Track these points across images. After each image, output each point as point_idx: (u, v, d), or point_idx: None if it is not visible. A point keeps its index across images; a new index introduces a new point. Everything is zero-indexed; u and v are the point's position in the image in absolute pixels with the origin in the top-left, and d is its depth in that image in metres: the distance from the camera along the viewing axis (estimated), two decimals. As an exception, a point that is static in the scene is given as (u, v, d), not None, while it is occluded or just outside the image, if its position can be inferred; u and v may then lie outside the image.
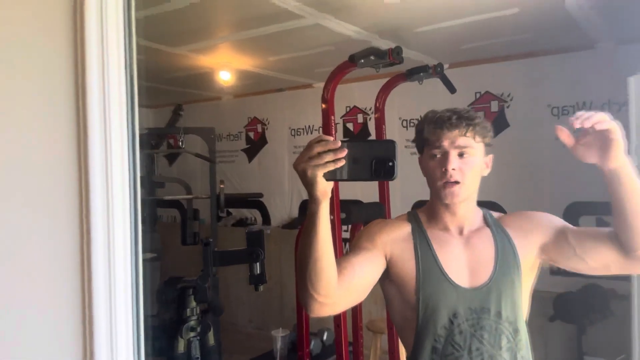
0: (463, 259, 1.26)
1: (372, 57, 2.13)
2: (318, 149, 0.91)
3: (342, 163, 0.91)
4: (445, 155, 1.20)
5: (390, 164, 0.91)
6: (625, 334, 2.62)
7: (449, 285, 1.22)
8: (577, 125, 1.00)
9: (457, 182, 1.20)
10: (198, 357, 2.06)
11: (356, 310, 2.81)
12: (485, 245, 1.27)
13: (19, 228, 1.00)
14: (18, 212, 0.99)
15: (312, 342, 2.98)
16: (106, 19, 0.97)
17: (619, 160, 1.03)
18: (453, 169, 1.19)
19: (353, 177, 0.93)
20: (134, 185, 0.99)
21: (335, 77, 2.34)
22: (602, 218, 3.37)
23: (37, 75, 1.02)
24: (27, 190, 1.00)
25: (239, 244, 2.19)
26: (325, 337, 3.15)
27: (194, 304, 2.08)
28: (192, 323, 2.07)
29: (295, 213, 4.80)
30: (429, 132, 1.22)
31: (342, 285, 1.11)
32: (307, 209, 1.00)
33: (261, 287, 2.05)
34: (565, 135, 1.04)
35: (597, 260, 1.20)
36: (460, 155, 1.20)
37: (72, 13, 0.99)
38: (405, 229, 1.31)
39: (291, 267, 2.78)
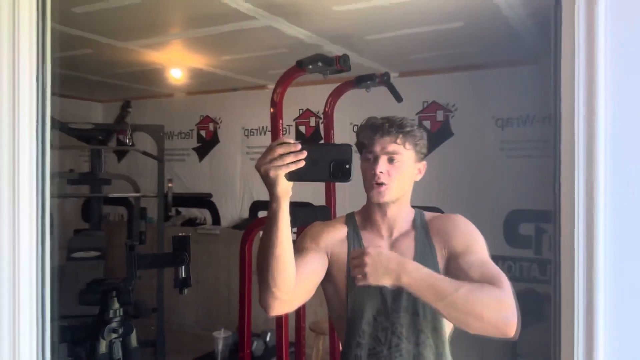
0: None
1: (319, 64, 2.17)
2: (280, 150, 0.99)
3: (302, 164, 0.98)
4: (376, 159, 1.28)
5: (347, 166, 1.00)
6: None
7: (375, 285, 1.27)
8: None
9: (383, 184, 1.28)
10: (120, 359, 2.05)
11: (299, 312, 2.83)
12: (407, 248, 1.34)
13: None
14: None
15: (255, 343, 2.98)
16: (18, 9, 0.95)
17: None
18: (381, 172, 1.27)
19: (312, 178, 1.01)
20: (43, 181, 0.97)
21: (284, 82, 2.36)
22: (540, 225, 3.53)
23: None
24: None
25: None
26: (268, 338, 3.16)
27: (116, 305, 2.09)
28: (114, 324, 2.07)
29: (246, 214, 4.79)
30: (364, 137, 1.30)
31: (298, 283, 1.18)
32: (268, 208, 1.06)
33: (186, 291, 2.08)
34: None
35: None
36: (390, 160, 1.28)
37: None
38: (342, 231, 1.38)
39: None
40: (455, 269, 1.26)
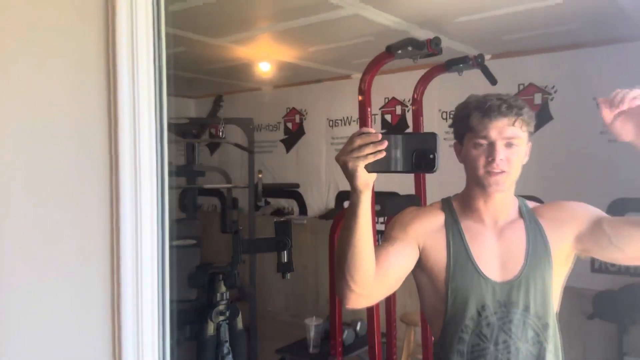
0: (495, 252, 1.25)
1: (409, 48, 2.10)
2: (359, 141, 0.94)
3: (382, 155, 0.93)
4: (492, 145, 1.17)
5: (431, 156, 0.93)
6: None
7: (479, 278, 1.22)
8: (612, 112, 1.03)
9: (503, 172, 1.18)
10: (227, 341, 2.12)
11: (390, 302, 2.81)
12: (517, 238, 1.25)
13: (52, 222, 1.05)
14: (50, 206, 1.05)
15: (345, 332, 3.00)
16: (136, 10, 1.00)
17: None
18: (501, 159, 1.17)
19: (394, 169, 0.94)
20: (162, 172, 1.02)
21: (372, 68, 2.33)
22: (650, 216, 3.25)
23: (71, 67, 1.06)
24: (59, 182, 1.05)
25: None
26: (358, 328, 3.17)
27: (223, 288, 2.15)
28: (221, 307, 2.13)
29: (331, 204, 4.82)
30: (476, 121, 1.19)
31: (378, 277, 1.13)
32: (349, 200, 1.02)
33: (288, 276, 2.11)
34: (604, 108, 1.04)
35: (635, 249, 1.18)
36: (508, 145, 1.18)
37: (104, 4, 1.03)
38: (439, 218, 1.30)
39: (327, 257, 2.82)
40: (600, 232, 1.21)
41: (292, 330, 3.97)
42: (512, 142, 1.18)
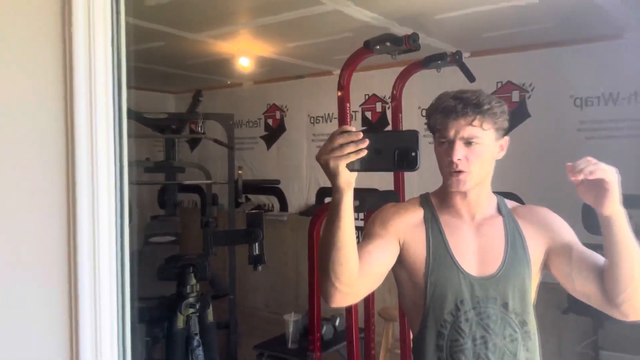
0: (473, 247, 1.25)
1: (388, 44, 2.12)
2: (340, 140, 0.93)
3: (363, 154, 0.93)
4: (451, 144, 1.17)
5: (413, 154, 0.92)
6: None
7: (458, 272, 1.22)
8: (571, 177, 1.03)
9: (462, 171, 1.18)
10: (197, 333, 2.10)
11: (368, 297, 2.82)
12: (496, 235, 1.26)
13: (5, 219, 1.02)
14: (3, 202, 1.02)
15: (324, 327, 3.00)
16: (93, 4, 0.98)
17: (612, 209, 1.04)
18: (459, 159, 1.17)
19: (376, 167, 0.94)
20: (121, 170, 0.99)
21: (351, 64, 2.33)
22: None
23: (25, 56, 1.02)
24: (12, 180, 1.02)
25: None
26: (337, 323, 3.17)
27: (193, 281, 2.12)
28: (191, 300, 2.10)
29: (312, 200, 4.82)
30: (435, 121, 1.20)
31: (362, 274, 1.12)
32: (331, 199, 1.01)
33: (259, 267, 2.09)
34: (571, 175, 1.05)
35: (583, 288, 1.20)
36: (467, 144, 1.17)
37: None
38: (418, 214, 1.30)
39: (307, 253, 2.82)
40: (565, 260, 1.21)
41: (271, 327, 3.96)
42: (472, 141, 1.17)
